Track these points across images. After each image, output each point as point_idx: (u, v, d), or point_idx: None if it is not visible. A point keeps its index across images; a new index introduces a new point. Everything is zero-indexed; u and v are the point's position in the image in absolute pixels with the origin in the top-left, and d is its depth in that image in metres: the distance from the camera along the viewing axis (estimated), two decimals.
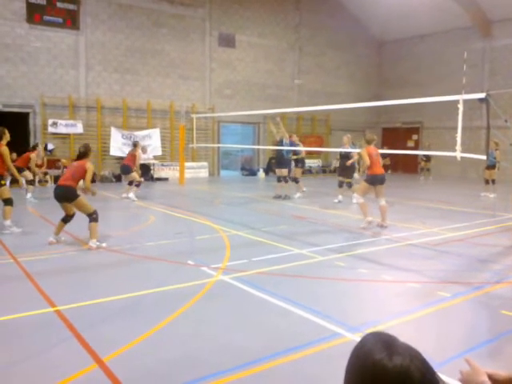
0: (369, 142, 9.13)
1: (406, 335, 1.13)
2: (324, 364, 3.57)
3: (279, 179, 13.34)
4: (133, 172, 12.93)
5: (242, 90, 21.69)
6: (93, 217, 7.23)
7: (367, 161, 8.81)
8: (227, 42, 21.14)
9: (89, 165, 7.32)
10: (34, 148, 13.08)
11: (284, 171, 13.24)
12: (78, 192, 7.28)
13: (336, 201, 12.35)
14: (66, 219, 7.46)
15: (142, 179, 13.62)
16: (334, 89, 24.39)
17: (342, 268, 6.16)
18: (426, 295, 5.17)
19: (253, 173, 22.01)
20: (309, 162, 23.33)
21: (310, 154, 23.22)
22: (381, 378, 1.08)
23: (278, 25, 22.54)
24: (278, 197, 13.16)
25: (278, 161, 13.73)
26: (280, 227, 9.01)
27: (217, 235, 8.23)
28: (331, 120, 24.19)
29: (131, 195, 12.73)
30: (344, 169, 12.34)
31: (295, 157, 13.73)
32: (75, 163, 7.49)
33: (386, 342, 1.13)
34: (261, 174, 21.76)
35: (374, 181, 8.89)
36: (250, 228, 8.87)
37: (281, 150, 13.19)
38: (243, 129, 23.17)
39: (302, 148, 13.79)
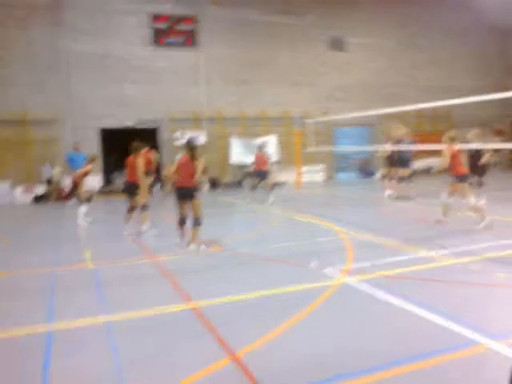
0: (453, 140, 8.79)
1: None
2: (462, 372, 3.39)
3: (400, 180, 12.88)
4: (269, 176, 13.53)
5: (355, 92, 21.35)
6: (199, 221, 7.51)
7: (447, 161, 8.61)
8: (337, 45, 21.03)
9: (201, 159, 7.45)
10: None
11: (405, 171, 12.76)
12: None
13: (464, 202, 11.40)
14: (194, 221, 7.57)
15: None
16: (452, 82, 22.88)
17: (476, 272, 5.76)
18: None
19: (370, 175, 21.51)
20: (430, 162, 22.18)
21: (430, 153, 22.09)
22: None
23: (388, 22, 21.84)
24: (400, 198, 12.70)
25: (398, 161, 13.22)
26: (402, 229, 8.70)
27: (337, 237, 8.20)
28: (453, 116, 22.71)
29: (271, 199, 13.09)
30: (474, 166, 11.28)
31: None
32: (186, 162, 7.47)
33: None
34: (378, 175, 21.16)
35: (466, 179, 8.69)
36: (370, 230, 8.69)
37: (402, 150, 12.74)
38: (358, 131, 22.76)
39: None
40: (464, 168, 8.74)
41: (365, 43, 21.44)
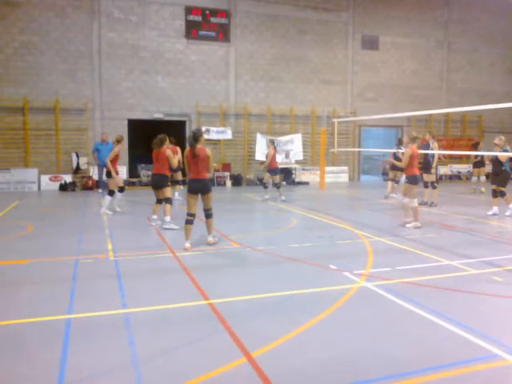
0: (414, 141, 9.36)
1: None
2: None
3: (426, 185, 12.67)
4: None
5: (386, 93, 21.09)
6: (210, 213, 7.55)
7: (406, 162, 9.17)
8: (370, 44, 20.76)
9: (208, 151, 7.34)
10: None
11: (431, 177, 12.54)
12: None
13: (490, 213, 10.94)
14: (207, 214, 7.58)
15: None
16: (487, 87, 22.43)
17: (500, 283, 5.63)
18: None
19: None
20: (458, 167, 21.81)
21: (459, 159, 21.77)
22: None
23: (424, 22, 21.47)
24: (424, 204, 12.48)
25: (424, 166, 12.98)
26: (427, 236, 8.55)
27: (358, 241, 8.12)
28: (484, 121, 22.25)
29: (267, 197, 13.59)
30: (497, 174, 11.01)
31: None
32: (198, 156, 7.26)
33: None
34: (404, 179, 20.82)
35: (418, 181, 9.38)
36: (393, 235, 8.57)
37: (427, 154, 12.50)
38: (385, 133, 22.47)
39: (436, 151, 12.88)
40: (416, 170, 9.37)
41: (399, 43, 21.14)
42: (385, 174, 21.86)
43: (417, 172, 9.39)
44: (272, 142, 14.38)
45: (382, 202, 13.71)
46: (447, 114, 21.67)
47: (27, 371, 3.48)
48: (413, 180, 9.27)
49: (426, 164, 12.66)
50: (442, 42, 21.91)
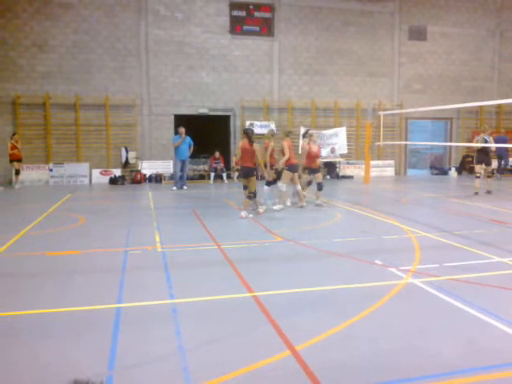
0: (288, 135, 10.63)
1: None
2: None
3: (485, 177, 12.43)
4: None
5: (434, 84, 20.46)
6: (250, 196, 9.57)
7: (287, 153, 10.26)
8: (418, 34, 20.16)
9: (255, 146, 9.50)
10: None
11: (488, 168, 12.35)
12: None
13: None
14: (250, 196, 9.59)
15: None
16: None
17: None
18: None
19: (443, 172, 20.59)
20: (510, 161, 20.92)
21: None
22: None
23: (475, 11, 20.60)
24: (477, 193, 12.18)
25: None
26: (476, 231, 8.27)
27: (405, 236, 7.97)
28: None
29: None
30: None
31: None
32: (248, 148, 9.56)
33: None
34: (453, 173, 20.23)
35: (295, 169, 10.57)
36: (441, 230, 8.35)
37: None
38: (433, 125, 21.83)
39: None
40: (294, 160, 10.52)
41: (448, 33, 20.41)
42: (435, 167, 21.23)
43: (294, 161, 10.52)
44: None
45: (429, 195, 13.36)
46: (499, 106, 20.80)
47: (79, 357, 3.64)
48: (291, 168, 10.46)
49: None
50: (493, 31, 20.96)
